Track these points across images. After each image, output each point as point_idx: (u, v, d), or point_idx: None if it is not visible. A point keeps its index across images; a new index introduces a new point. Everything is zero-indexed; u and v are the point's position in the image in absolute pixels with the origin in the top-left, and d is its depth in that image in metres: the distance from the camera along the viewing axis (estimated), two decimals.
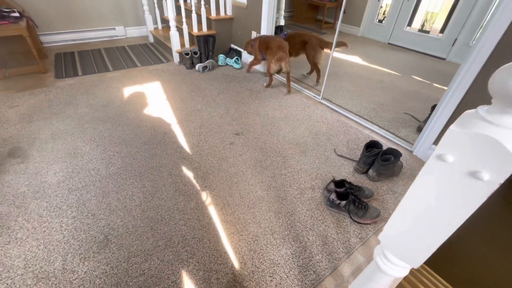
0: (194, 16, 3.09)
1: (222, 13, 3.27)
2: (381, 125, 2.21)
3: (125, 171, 1.64)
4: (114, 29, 3.91)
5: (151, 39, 3.97)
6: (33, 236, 1.26)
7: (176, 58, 3.24)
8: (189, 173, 1.65)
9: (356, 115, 2.34)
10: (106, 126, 2.04)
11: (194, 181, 1.60)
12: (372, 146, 1.72)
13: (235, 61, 3.20)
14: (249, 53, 2.92)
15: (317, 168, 1.75)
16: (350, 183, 1.52)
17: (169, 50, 3.42)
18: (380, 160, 1.61)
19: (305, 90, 2.75)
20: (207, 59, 3.20)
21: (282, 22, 3.65)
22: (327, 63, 2.42)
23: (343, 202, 1.41)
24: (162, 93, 2.56)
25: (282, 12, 3.63)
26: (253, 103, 2.47)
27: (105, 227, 1.31)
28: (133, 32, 4.10)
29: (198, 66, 3.02)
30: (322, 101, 2.55)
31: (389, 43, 4.31)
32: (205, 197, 1.51)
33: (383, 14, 4.33)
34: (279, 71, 3.02)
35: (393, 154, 1.63)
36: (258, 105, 2.44)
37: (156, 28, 3.96)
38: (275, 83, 2.90)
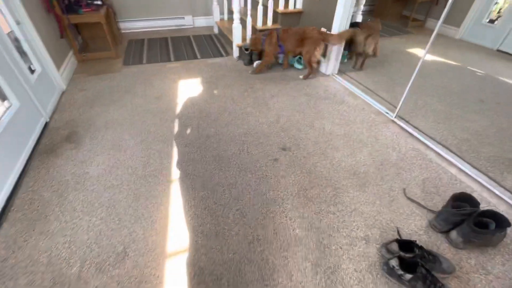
0: (260, 8, 2.87)
1: (291, 6, 2.96)
2: (476, 165, 1.66)
3: (159, 174, 1.56)
4: (183, 18, 3.98)
5: (216, 30, 3.92)
6: (62, 231, 1.26)
7: (236, 52, 3.10)
8: (222, 190, 1.48)
9: (441, 145, 1.82)
10: (154, 120, 2.02)
11: (225, 200, 1.42)
12: (462, 199, 1.26)
13: (297, 61, 2.89)
14: (254, 50, 2.73)
15: (377, 212, 1.38)
16: (421, 247, 1.13)
17: (230, 43, 3.29)
18: (473, 224, 1.16)
19: (375, 102, 2.29)
20: None
21: (359, 18, 3.15)
22: (414, 71, 1.93)
23: (408, 276, 1.04)
24: (213, 90, 2.44)
25: (362, 7, 3.12)
26: (309, 112, 2.15)
27: (126, 237, 1.24)
28: (200, 22, 4.12)
29: (256, 63, 2.82)
30: (396, 119, 2.08)
31: (499, 50, 3.37)
32: (234, 222, 1.31)
33: (498, 12, 3.39)
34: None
35: (496, 220, 1.16)
36: (314, 115, 2.12)
37: (222, 19, 3.88)
38: (339, 89, 2.50)
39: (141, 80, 2.57)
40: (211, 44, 3.48)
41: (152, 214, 1.34)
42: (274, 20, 3.08)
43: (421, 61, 1.84)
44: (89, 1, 2.81)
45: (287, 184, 1.52)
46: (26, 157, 1.62)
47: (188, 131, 1.92)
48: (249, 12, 2.87)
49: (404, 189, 1.51)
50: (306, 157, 1.71)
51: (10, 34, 1.80)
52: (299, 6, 2.97)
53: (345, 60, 2.97)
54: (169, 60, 3.01)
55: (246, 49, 2.90)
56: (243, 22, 3.20)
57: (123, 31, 3.79)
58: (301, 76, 2.70)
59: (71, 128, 1.91)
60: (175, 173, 1.58)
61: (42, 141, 1.78)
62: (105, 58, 2.97)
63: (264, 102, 2.29)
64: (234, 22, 2.90)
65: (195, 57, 3.09)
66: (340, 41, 2.46)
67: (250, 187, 1.50)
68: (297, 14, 3.02)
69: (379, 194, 1.48)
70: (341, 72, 2.82)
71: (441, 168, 1.66)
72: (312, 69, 2.62)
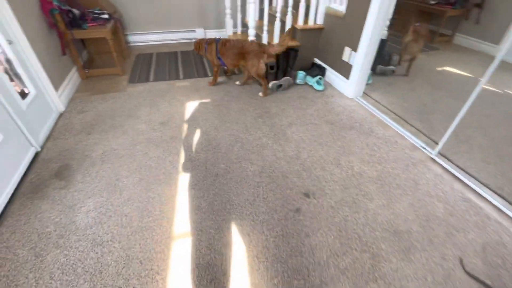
0: (277, 23, 2.63)
1: (310, 22, 2.72)
2: None
3: (158, 227, 1.30)
4: (194, 31, 3.80)
5: None
6: None
7: None
8: (229, 253, 1.21)
9: (496, 194, 1.50)
10: (157, 152, 1.78)
11: (231, 268, 1.15)
12: None
13: (317, 81, 2.62)
14: (198, 53, 2.64)
15: None
16: None
17: None
18: None
19: (409, 134, 1.99)
20: (284, 75, 2.72)
21: (384, 35, 2.87)
22: (466, 100, 1.63)
23: None
24: (224, 115, 2.19)
25: (387, 22, 2.85)
26: (334, 146, 1.87)
27: None
28: (212, 35, 3.91)
29: (272, 84, 2.57)
30: (437, 158, 1.77)
31: None
32: None
33: None
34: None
35: None
36: (340, 150, 1.83)
37: (235, 33, 3.67)
38: (365, 116, 2.22)
39: (147, 101, 2.35)
40: None
41: (145, 287, 1.08)
42: (293, 36, 2.84)
43: (476, 92, 1.54)
44: (95, 15, 2.64)
45: (312, 247, 1.24)
46: (6, 200, 1.39)
47: (195, 168, 1.67)
48: (265, 28, 2.64)
49: (461, 260, 1.20)
50: (334, 208, 1.42)
51: (0, 56, 1.61)
52: (319, 22, 2.72)
53: (370, 81, 2.69)
54: (177, 77, 2.79)
55: None
56: (258, 37, 2.97)
57: (132, 44, 3.63)
58: (260, 94, 2.52)
59: (63, 161, 1.69)
60: (177, 226, 1.32)
61: (28, 178, 1.56)
62: (110, 75, 2.78)
63: (282, 131, 2.02)
64: (249, 38, 2.67)
65: (206, 75, 2.87)
66: (280, 50, 2.30)
67: (267, 249, 1.22)
68: (317, 30, 2.77)
69: (429, 266, 1.17)
70: (365, 94, 2.54)
71: (502, 228, 1.34)
72: (264, 82, 2.46)
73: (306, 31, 2.73)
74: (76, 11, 2.46)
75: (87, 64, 2.91)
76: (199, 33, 3.83)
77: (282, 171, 1.65)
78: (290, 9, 2.59)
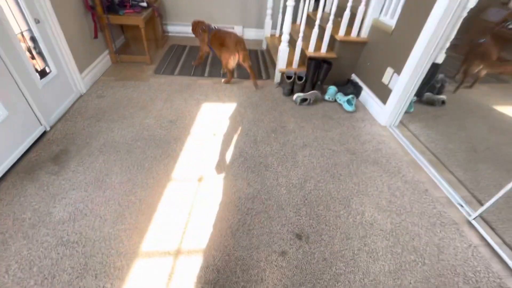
0: (315, 30, 2.39)
1: (354, 33, 2.42)
2: None
3: (128, 239, 1.20)
4: (233, 28, 3.70)
5: (264, 46, 3.54)
6: None
7: (277, 77, 2.67)
8: None
9: None
10: (155, 152, 1.69)
11: None
12: None
13: (347, 101, 2.33)
14: (195, 35, 2.64)
15: None
16: None
17: (274, 64, 2.88)
18: None
19: (446, 184, 1.64)
20: (312, 89, 2.47)
21: (440, 59, 2.46)
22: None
23: None
24: (236, 123, 2.04)
25: (448, 44, 2.43)
26: (348, 181, 1.61)
27: None
28: (250, 33, 3.79)
29: (296, 96, 2.34)
30: (476, 223, 1.41)
31: None
32: None
33: None
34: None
35: None
36: (354, 188, 1.57)
37: (272, 35, 3.49)
38: (395, 151, 1.90)
39: (164, 95, 2.30)
40: (254, 61, 3.11)
41: None
42: (330, 47, 2.58)
43: None
44: (134, 2, 2.66)
45: None
46: (1, 175, 1.41)
47: (186, 178, 1.55)
48: (301, 34, 2.41)
49: None
50: (326, 260, 1.19)
51: (25, 33, 1.64)
52: (364, 35, 2.41)
53: (412, 110, 2.32)
54: (202, 74, 2.71)
55: (289, 77, 2.45)
56: (293, 41, 2.77)
57: (170, 34, 3.65)
58: (222, 80, 2.62)
59: (65, 144, 1.69)
60: (146, 242, 1.20)
61: (29, 156, 1.58)
62: (139, 62, 2.80)
63: (293, 152, 1.81)
64: (282, 44, 2.47)
65: (232, 76, 2.74)
66: (242, 63, 2.44)
67: None
68: (360, 44, 2.46)
69: None
70: (402, 124, 2.19)
71: None
72: (230, 75, 2.57)
73: (347, 43, 2.44)
74: None
75: (123, 48, 2.97)
76: (237, 31, 3.72)
77: (279, 201, 1.45)
78: (332, 16, 2.33)
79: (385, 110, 2.16)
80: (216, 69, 2.84)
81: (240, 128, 1.99)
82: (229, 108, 2.22)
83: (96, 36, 2.38)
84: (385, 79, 2.16)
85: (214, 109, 2.18)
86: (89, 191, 1.40)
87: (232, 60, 2.40)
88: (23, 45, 1.61)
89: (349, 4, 2.28)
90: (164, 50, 3.18)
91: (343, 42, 2.43)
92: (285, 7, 3.15)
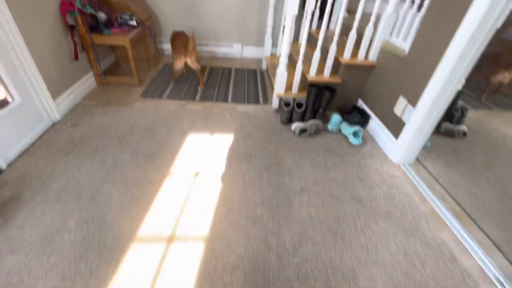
0: (317, 52, 2.14)
1: (361, 56, 2.16)
2: None
3: None
4: (231, 46, 3.50)
5: (264, 66, 3.31)
6: None
7: (275, 102, 2.41)
8: None
9: None
10: (123, 200, 1.42)
11: None
12: None
13: (354, 133, 2.04)
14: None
15: None
16: None
17: (273, 87, 2.64)
18: None
19: (478, 249, 1.31)
20: (314, 117, 2.20)
21: (460, 84, 2.17)
22: None
23: None
24: (224, 159, 1.77)
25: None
26: (355, 243, 1.30)
27: None
28: (250, 51, 3.58)
29: (294, 126, 2.07)
30: None
31: None
32: None
33: None
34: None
35: None
36: (362, 253, 1.26)
37: (273, 55, 3.26)
38: (411, 198, 1.58)
39: (147, 123, 2.06)
40: (252, 83, 2.87)
41: None
42: (334, 70, 2.32)
43: None
44: (123, 21, 2.47)
45: None
46: None
47: (154, 237, 1.27)
48: (301, 56, 2.16)
49: None
50: None
51: None
52: (372, 57, 2.15)
53: (429, 144, 2.01)
54: (193, 98, 2.48)
55: (287, 104, 2.19)
56: (294, 62, 2.53)
57: (167, 52, 3.47)
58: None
59: (19, 188, 1.44)
60: None
61: None
62: (127, 84, 2.59)
63: (287, 199, 1.52)
64: (279, 67, 2.22)
65: (225, 99, 2.50)
66: (190, 64, 2.42)
67: None
68: (367, 68, 2.20)
69: None
70: (418, 162, 1.88)
71: None
72: (174, 76, 2.65)
73: (353, 67, 2.18)
74: (102, 15, 2.31)
75: (112, 68, 2.78)
76: (236, 49, 3.52)
77: (267, 273, 1.15)
78: (336, 37, 2.08)
79: (397, 145, 1.86)
80: (210, 90, 2.61)
81: (227, 165, 1.72)
82: (218, 139, 1.95)
83: (76, 58, 2.18)
84: (397, 110, 1.87)
85: (200, 141, 1.92)
86: (30, 257, 1.13)
87: (178, 61, 2.41)
88: None
89: (356, 24, 2.03)
90: (157, 70, 2.98)
91: (348, 65, 2.17)
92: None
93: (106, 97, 2.36)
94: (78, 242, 1.21)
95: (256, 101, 2.52)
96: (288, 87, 2.36)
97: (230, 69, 3.16)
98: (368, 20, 2.04)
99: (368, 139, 2.12)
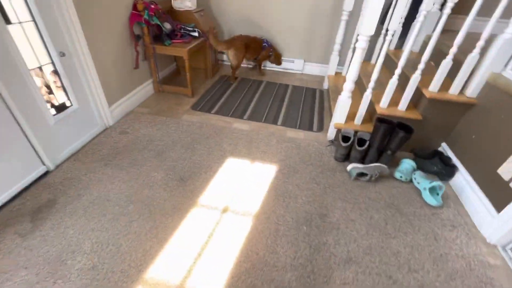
0: (393, 80, 1.74)
1: (454, 90, 1.67)
2: None
3: None
4: (293, 61, 3.26)
5: (326, 85, 2.98)
6: None
7: (331, 132, 2.07)
8: None
9: None
10: (142, 227, 1.31)
11: None
12: None
13: (432, 189, 1.57)
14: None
15: None
16: None
17: (332, 113, 2.29)
18: None
19: None
20: (377, 159, 1.79)
21: None
22: None
23: None
24: (258, 197, 1.53)
25: None
26: None
27: None
28: (312, 69, 3.28)
29: (351, 167, 1.70)
30: None
31: None
32: None
33: None
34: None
35: None
36: None
37: (338, 74, 2.90)
38: None
39: (188, 139, 1.97)
40: (308, 104, 2.58)
41: None
42: (413, 102, 1.86)
43: None
44: (185, 32, 2.49)
45: None
46: None
47: (165, 281, 1.10)
48: (372, 82, 1.78)
49: None
50: None
51: (46, 67, 1.51)
52: (472, 93, 1.63)
53: None
54: (241, 116, 2.32)
55: (346, 137, 1.83)
56: (360, 86, 2.16)
57: (225, 63, 3.44)
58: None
59: (57, 193, 1.47)
60: None
61: (14, 203, 1.39)
62: (181, 94, 2.60)
63: (327, 269, 1.18)
64: (343, 93, 1.88)
65: (274, 121, 2.27)
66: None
67: None
68: (462, 106, 1.68)
69: None
70: None
71: None
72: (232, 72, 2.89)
73: (442, 103, 1.70)
74: (167, 26, 2.35)
75: (171, 76, 2.86)
76: (297, 65, 3.26)
77: None
78: (422, 64, 1.64)
79: (498, 221, 1.33)
80: (261, 108, 2.41)
81: (262, 204, 1.47)
82: (258, 169, 1.73)
83: (137, 67, 2.25)
84: (504, 172, 1.34)
85: (238, 168, 1.73)
86: (39, 277, 1.09)
87: (230, 55, 2.75)
88: (39, 80, 1.48)
89: (454, 50, 1.57)
90: (213, 81, 2.94)
91: (434, 100, 1.70)
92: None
93: (159, 106, 2.39)
94: (86, 270, 1.12)
95: (310, 127, 2.22)
96: (350, 116, 1.99)
97: (287, 86, 2.93)
98: (473, 44, 1.55)
99: (450, 199, 1.61)
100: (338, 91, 2.53)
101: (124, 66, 2.13)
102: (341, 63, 2.94)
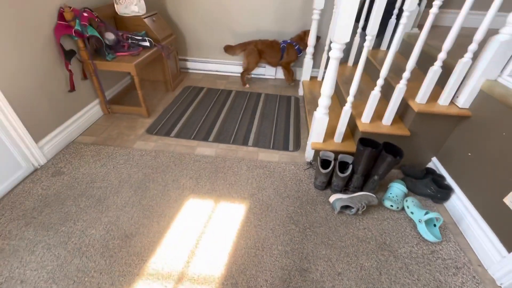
0: (376, 90, 1.48)
1: (444, 101, 1.44)
2: None
3: None
4: (265, 66, 2.96)
5: (301, 92, 2.71)
6: None
7: (308, 154, 1.80)
8: None
9: None
10: None
11: None
12: None
13: (429, 221, 1.34)
14: None
15: None
16: None
17: (309, 126, 2.02)
18: None
19: None
20: (363, 186, 1.54)
21: None
22: None
23: None
24: (223, 250, 1.23)
25: None
26: None
27: None
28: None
29: (334, 199, 1.44)
30: None
31: None
32: None
33: None
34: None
35: None
36: None
37: (313, 78, 2.64)
38: None
39: (139, 175, 1.62)
40: (282, 116, 2.29)
41: None
42: (399, 115, 1.63)
43: None
44: (134, 42, 2.11)
45: None
46: None
47: None
48: (351, 96, 1.52)
49: None
50: None
51: None
52: (464, 104, 1.41)
53: None
54: (206, 138, 1.99)
55: (326, 163, 1.57)
56: (338, 93, 1.92)
57: (190, 71, 3.08)
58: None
59: None
60: None
61: None
62: (134, 114, 2.23)
63: None
64: (318, 110, 1.61)
65: (245, 142, 1.97)
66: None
67: None
68: (454, 118, 1.46)
69: None
70: None
71: None
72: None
73: (432, 116, 1.47)
74: (110, 37, 1.97)
75: (126, 92, 2.47)
76: (270, 70, 2.97)
77: None
78: (408, 73, 1.39)
79: (508, 260, 1.11)
80: (229, 126, 2.10)
81: (226, 266, 1.18)
82: (223, 212, 1.42)
83: (72, 89, 1.85)
84: (510, 201, 1.13)
85: (199, 213, 1.41)
86: None
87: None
88: None
89: (441, 56, 1.32)
90: (175, 94, 2.58)
91: (422, 114, 1.46)
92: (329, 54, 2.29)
93: (106, 133, 2.01)
94: None
95: (285, 146, 1.94)
96: (329, 132, 1.73)
97: (259, 95, 2.63)
98: (463, 43, 1.32)
99: (448, 229, 1.39)
100: (314, 99, 2.27)
101: (54, 90, 1.73)
102: (316, 65, 2.68)
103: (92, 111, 2.09)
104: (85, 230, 1.30)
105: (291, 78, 2.83)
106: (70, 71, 1.80)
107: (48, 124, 1.70)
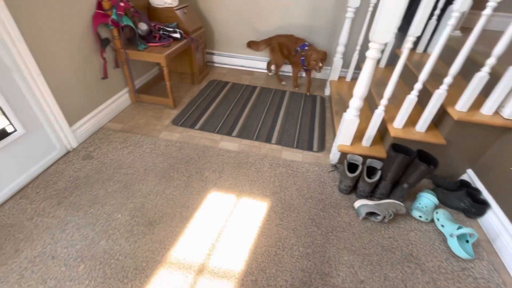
0: (412, 96, 1.41)
1: (487, 110, 1.34)
2: None
3: None
4: None
5: (327, 92, 2.64)
6: None
7: (334, 156, 1.75)
8: None
9: None
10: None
11: None
12: None
13: (461, 237, 1.26)
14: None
15: None
16: None
17: (335, 128, 1.97)
18: None
19: None
20: (390, 193, 1.48)
21: None
22: None
23: None
24: (245, 250, 1.22)
25: None
26: None
27: None
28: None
29: (359, 204, 1.39)
30: None
31: None
32: None
33: None
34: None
35: None
36: None
37: (341, 78, 2.57)
38: None
39: (164, 165, 1.66)
40: (307, 115, 2.25)
41: None
42: (435, 123, 1.55)
43: None
44: (165, 33, 2.14)
45: None
46: None
47: None
48: (384, 100, 1.45)
49: None
50: None
51: None
52: (510, 114, 1.31)
53: None
54: (230, 132, 2.00)
55: (352, 166, 1.52)
56: (369, 98, 1.85)
57: (216, 65, 3.10)
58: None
59: None
60: None
61: None
62: (161, 105, 2.27)
63: None
64: (348, 111, 1.55)
65: (268, 139, 1.95)
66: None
67: None
68: (496, 129, 1.36)
69: None
70: None
71: None
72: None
73: (470, 125, 1.38)
74: (143, 27, 2.01)
75: (154, 83, 2.52)
76: None
77: None
78: (450, 77, 1.31)
79: None
80: (252, 122, 2.09)
81: (246, 262, 1.17)
82: (244, 208, 1.42)
83: (105, 77, 1.91)
84: None
85: (221, 206, 1.42)
86: None
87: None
88: None
89: (490, 61, 1.23)
90: (201, 88, 2.60)
91: (464, 124, 1.38)
92: (363, 54, 2.20)
93: (134, 120, 2.06)
94: None
95: (309, 147, 1.90)
96: (357, 135, 1.67)
97: (283, 93, 2.59)
98: (509, 54, 1.22)
99: (481, 246, 1.30)
100: (341, 100, 2.20)
101: (89, 77, 1.79)
102: (345, 65, 2.60)
103: (122, 99, 2.16)
104: (112, 214, 1.34)
105: (296, 82, 2.66)
106: (104, 59, 1.85)
107: (81, 109, 1.77)
